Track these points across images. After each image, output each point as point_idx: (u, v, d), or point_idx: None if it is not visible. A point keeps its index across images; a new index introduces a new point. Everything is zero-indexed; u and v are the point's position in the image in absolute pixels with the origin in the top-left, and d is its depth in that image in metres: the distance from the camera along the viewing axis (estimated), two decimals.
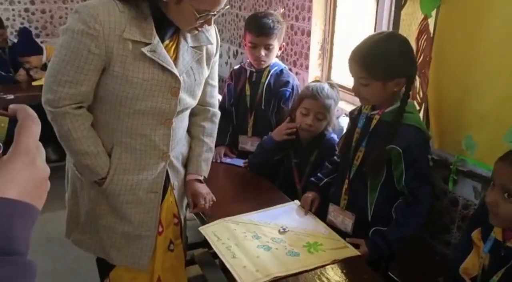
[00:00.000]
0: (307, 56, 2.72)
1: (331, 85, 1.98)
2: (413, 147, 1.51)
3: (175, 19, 1.39)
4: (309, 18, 2.63)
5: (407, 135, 1.52)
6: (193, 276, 2.49)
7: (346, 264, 1.43)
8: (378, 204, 1.60)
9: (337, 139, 1.97)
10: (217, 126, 1.79)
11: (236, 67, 2.40)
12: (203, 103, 1.71)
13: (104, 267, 1.63)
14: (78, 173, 1.52)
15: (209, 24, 1.42)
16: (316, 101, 1.90)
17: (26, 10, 4.21)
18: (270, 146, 2.02)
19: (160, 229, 1.60)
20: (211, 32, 1.58)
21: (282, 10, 2.29)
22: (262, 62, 2.19)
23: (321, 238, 1.54)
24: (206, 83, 1.66)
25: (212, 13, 1.37)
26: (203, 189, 1.70)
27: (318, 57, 2.72)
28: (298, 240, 1.53)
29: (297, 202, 1.79)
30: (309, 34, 2.66)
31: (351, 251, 1.48)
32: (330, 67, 2.71)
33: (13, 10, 4.17)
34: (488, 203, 1.22)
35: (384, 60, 1.49)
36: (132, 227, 1.54)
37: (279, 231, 1.59)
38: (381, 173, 1.56)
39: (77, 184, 1.58)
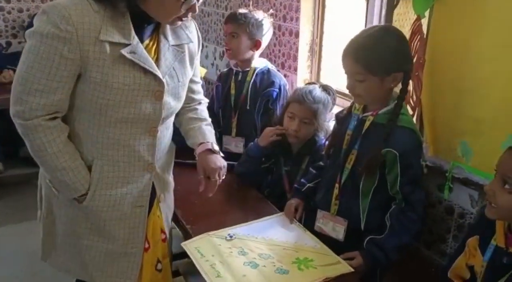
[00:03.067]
0: (295, 58, 2.63)
1: (325, 88, 1.91)
2: (409, 151, 1.46)
3: (156, 11, 1.29)
4: (297, 19, 2.54)
5: (403, 139, 1.46)
6: None
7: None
8: (371, 210, 1.53)
9: None
10: (206, 110, 1.70)
11: (225, 70, 2.37)
12: (189, 102, 1.63)
13: None
14: (54, 190, 1.40)
15: (194, 11, 1.31)
16: (301, 106, 1.83)
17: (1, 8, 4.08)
18: (255, 152, 1.94)
19: (147, 246, 1.50)
20: (191, 29, 1.49)
21: (270, 11, 2.23)
22: (229, 52, 2.18)
23: (312, 252, 1.46)
24: (191, 81, 1.57)
25: None
26: (218, 161, 1.55)
27: (307, 59, 2.63)
28: (287, 255, 1.44)
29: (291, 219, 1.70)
30: (297, 35, 2.58)
31: (344, 267, 1.40)
32: (319, 69, 2.63)
33: None
34: (486, 191, 1.21)
35: (381, 54, 1.42)
36: (117, 245, 1.44)
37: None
38: (374, 176, 1.50)
39: (52, 202, 1.46)
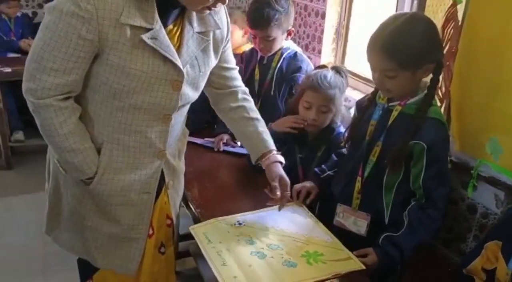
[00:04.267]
0: (320, 40, 2.54)
1: (338, 70, 1.81)
2: (437, 143, 1.38)
3: None
4: None
5: (432, 130, 1.38)
6: (188, 269, 2.39)
7: (348, 280, 1.29)
8: (396, 205, 1.46)
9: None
10: (253, 102, 1.64)
11: (247, 49, 2.26)
12: (225, 88, 1.56)
13: (87, 268, 1.50)
14: (62, 169, 1.37)
15: (224, 2, 1.23)
16: (317, 94, 1.74)
17: None
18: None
19: (151, 232, 1.46)
20: (220, 14, 1.38)
21: None
22: (265, 52, 2.06)
23: (323, 246, 1.40)
24: (222, 68, 1.51)
25: None
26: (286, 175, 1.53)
27: (332, 42, 2.55)
28: (296, 248, 1.38)
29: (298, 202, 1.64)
30: (323, 16, 2.48)
31: (355, 264, 1.34)
32: (344, 52, 2.54)
33: None
34: None
35: (412, 47, 1.32)
36: (121, 229, 1.41)
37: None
38: (400, 170, 1.43)
39: (60, 179, 1.43)
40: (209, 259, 1.31)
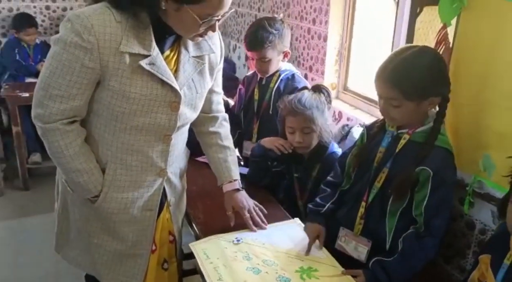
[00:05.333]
0: (323, 62, 2.60)
1: (317, 89, 1.86)
2: (443, 171, 1.40)
3: (177, 27, 1.29)
4: (326, 22, 2.52)
5: (439, 158, 1.40)
6: None
7: None
8: (398, 231, 1.46)
9: (339, 153, 1.85)
10: (229, 128, 1.71)
11: (249, 73, 2.35)
12: (209, 112, 1.63)
13: None
14: (69, 189, 1.45)
15: (214, 30, 1.31)
16: (296, 117, 1.79)
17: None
18: (257, 151, 1.94)
19: (154, 248, 1.52)
20: (214, 40, 1.47)
21: (281, 15, 2.18)
22: (262, 73, 2.14)
23: (317, 262, 1.43)
24: (211, 91, 1.57)
25: (216, 17, 1.26)
26: (244, 200, 1.63)
27: (335, 63, 2.60)
28: (291, 263, 1.42)
29: (297, 220, 1.69)
30: (325, 39, 2.55)
31: (348, 280, 1.37)
32: (347, 73, 2.59)
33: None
34: (508, 219, 1.16)
35: (418, 79, 1.36)
36: (125, 246, 1.47)
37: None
38: (405, 197, 1.44)
39: (67, 199, 1.51)
40: (206, 274, 1.36)
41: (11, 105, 3.37)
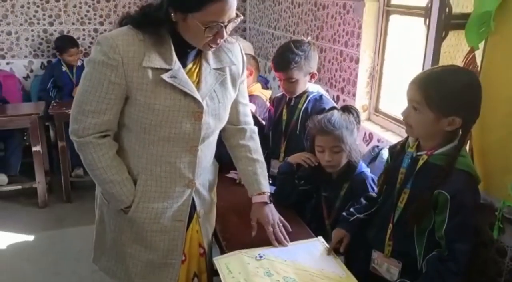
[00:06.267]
0: (354, 84, 2.64)
1: (347, 109, 1.89)
2: (462, 194, 1.37)
3: (187, 36, 1.38)
4: (358, 45, 2.56)
5: (458, 181, 1.37)
6: None
7: None
8: (429, 250, 1.44)
9: (368, 174, 1.86)
10: (259, 142, 1.76)
11: (278, 94, 2.41)
12: (237, 123, 1.69)
13: None
14: (105, 200, 1.54)
15: (221, 37, 1.37)
16: (325, 137, 1.81)
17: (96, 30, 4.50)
18: (284, 168, 1.98)
19: (183, 258, 1.58)
20: (235, 52, 1.55)
21: (309, 38, 2.23)
22: (290, 93, 2.20)
23: (336, 281, 1.44)
24: (237, 102, 1.64)
25: (221, 24, 1.33)
26: (270, 214, 1.67)
27: (366, 85, 2.63)
28: (311, 281, 1.44)
29: (320, 238, 1.70)
30: (357, 62, 2.59)
31: None
32: (378, 95, 2.61)
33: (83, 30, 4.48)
34: None
35: (447, 90, 1.36)
36: (157, 255, 1.53)
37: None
38: (425, 220, 1.43)
39: (104, 210, 1.59)
40: None
41: (57, 121, 3.57)
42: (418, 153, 1.48)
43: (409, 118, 1.44)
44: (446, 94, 1.35)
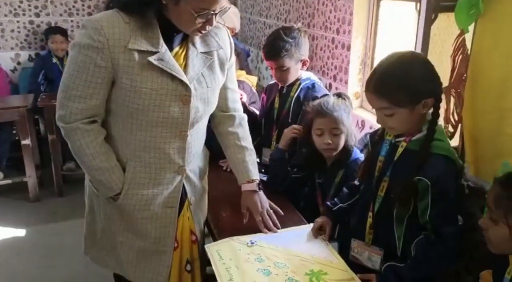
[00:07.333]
0: (346, 71, 2.62)
1: (339, 96, 1.89)
2: (442, 180, 1.36)
3: (177, 22, 1.36)
4: (350, 32, 2.53)
5: (437, 167, 1.36)
6: None
7: None
8: (407, 237, 1.45)
9: (362, 160, 1.85)
10: (248, 129, 1.75)
11: (271, 82, 2.39)
12: (226, 110, 1.68)
13: None
14: (94, 188, 1.52)
15: (211, 25, 1.37)
16: (325, 119, 1.81)
17: None
18: (276, 155, 1.98)
19: (176, 245, 1.57)
20: (222, 36, 1.54)
21: (299, 24, 2.20)
22: (282, 82, 2.18)
23: (328, 266, 1.44)
24: (225, 88, 1.62)
25: (212, 12, 1.32)
26: (259, 202, 1.66)
27: (358, 72, 2.61)
28: (302, 266, 1.43)
29: (311, 224, 1.69)
30: (349, 48, 2.56)
31: None
32: None
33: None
34: (480, 224, 1.17)
35: (404, 85, 1.34)
36: (149, 243, 1.52)
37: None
38: (409, 204, 1.42)
39: (93, 200, 1.58)
40: (217, 274, 1.39)
41: (47, 114, 3.52)
42: (397, 140, 1.46)
43: (387, 123, 1.43)
44: (408, 88, 1.34)
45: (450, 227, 1.38)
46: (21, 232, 3.20)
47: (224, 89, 1.61)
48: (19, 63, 4.35)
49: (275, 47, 2.06)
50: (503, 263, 1.19)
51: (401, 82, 1.34)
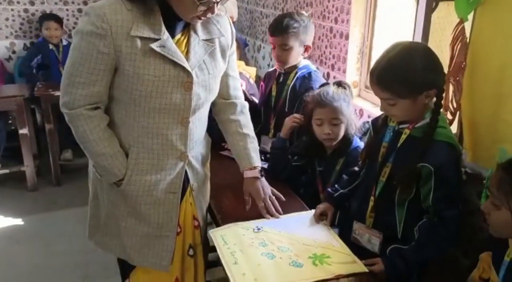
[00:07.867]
0: (344, 60, 2.63)
1: (339, 84, 1.90)
2: (445, 166, 1.40)
3: (178, 9, 1.38)
4: (348, 21, 2.55)
5: (440, 153, 1.40)
6: (217, 278, 2.47)
7: (350, 281, 1.35)
8: (408, 221, 1.49)
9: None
10: (249, 117, 1.76)
11: (270, 69, 2.41)
12: (227, 97, 1.69)
13: (126, 267, 1.64)
14: (98, 174, 1.53)
15: (212, 13, 1.38)
16: (325, 108, 1.82)
17: None
18: (278, 144, 2.00)
19: (178, 230, 1.59)
20: (223, 23, 1.55)
21: (310, 11, 2.22)
22: (281, 63, 2.18)
23: (330, 250, 1.47)
24: (226, 75, 1.64)
25: (214, 0, 1.34)
26: (261, 188, 1.68)
27: (357, 61, 2.62)
28: (305, 250, 1.47)
29: (314, 211, 1.72)
30: (347, 37, 2.58)
31: (359, 267, 1.40)
32: (368, 71, 2.61)
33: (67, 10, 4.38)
34: (482, 209, 1.20)
35: (407, 77, 1.37)
36: (152, 228, 1.54)
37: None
38: (410, 189, 1.46)
39: (97, 186, 1.59)
40: (222, 258, 1.42)
41: (44, 103, 3.52)
42: (401, 126, 1.50)
43: (390, 111, 1.47)
44: (411, 79, 1.37)
45: (452, 210, 1.42)
46: (20, 221, 3.21)
47: (225, 76, 1.63)
48: (14, 52, 4.33)
49: (284, 23, 2.08)
50: (502, 246, 1.22)
51: (402, 76, 1.37)
